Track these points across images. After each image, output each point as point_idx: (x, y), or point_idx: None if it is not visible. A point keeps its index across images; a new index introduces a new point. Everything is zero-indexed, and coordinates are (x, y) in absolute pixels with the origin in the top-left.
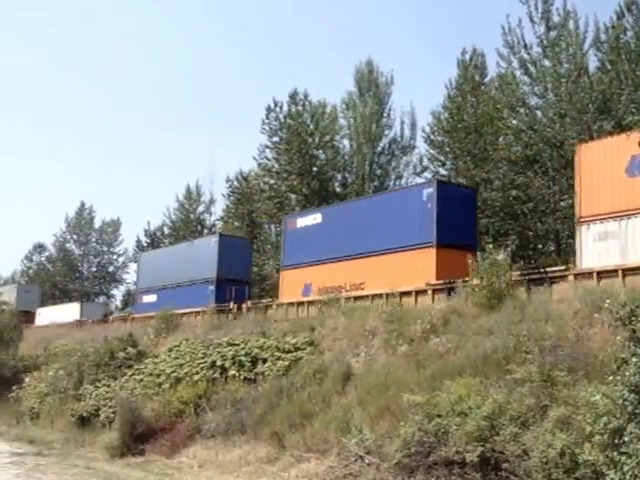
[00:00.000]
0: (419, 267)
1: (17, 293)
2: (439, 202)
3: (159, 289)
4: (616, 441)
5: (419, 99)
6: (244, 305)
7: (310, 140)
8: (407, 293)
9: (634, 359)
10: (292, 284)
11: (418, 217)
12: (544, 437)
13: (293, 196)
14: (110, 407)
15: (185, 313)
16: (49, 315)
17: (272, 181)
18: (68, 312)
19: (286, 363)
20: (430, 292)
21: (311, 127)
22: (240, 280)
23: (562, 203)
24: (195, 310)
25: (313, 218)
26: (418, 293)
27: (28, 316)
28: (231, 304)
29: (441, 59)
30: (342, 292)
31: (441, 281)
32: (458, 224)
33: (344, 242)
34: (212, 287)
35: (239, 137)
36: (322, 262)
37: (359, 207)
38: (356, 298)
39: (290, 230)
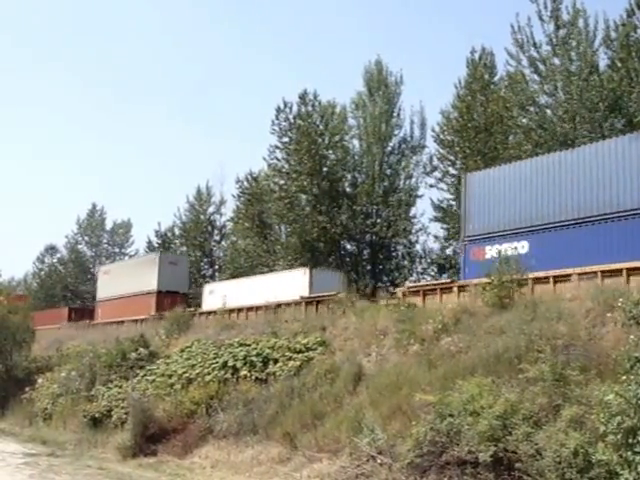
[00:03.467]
0: None
1: (160, 267)
2: None
3: (536, 230)
4: (630, 440)
5: (429, 99)
6: None
7: (320, 140)
8: None
9: None
10: None
11: None
12: (557, 436)
13: (303, 196)
14: (122, 408)
15: None
16: (237, 292)
17: (282, 181)
18: (283, 285)
19: (297, 363)
20: None
21: (321, 127)
22: None
23: None
24: None
25: None
26: None
27: (177, 299)
28: None
29: (450, 58)
30: None
31: None
32: None
33: None
34: None
35: (249, 138)
36: None
37: None
38: None
39: None
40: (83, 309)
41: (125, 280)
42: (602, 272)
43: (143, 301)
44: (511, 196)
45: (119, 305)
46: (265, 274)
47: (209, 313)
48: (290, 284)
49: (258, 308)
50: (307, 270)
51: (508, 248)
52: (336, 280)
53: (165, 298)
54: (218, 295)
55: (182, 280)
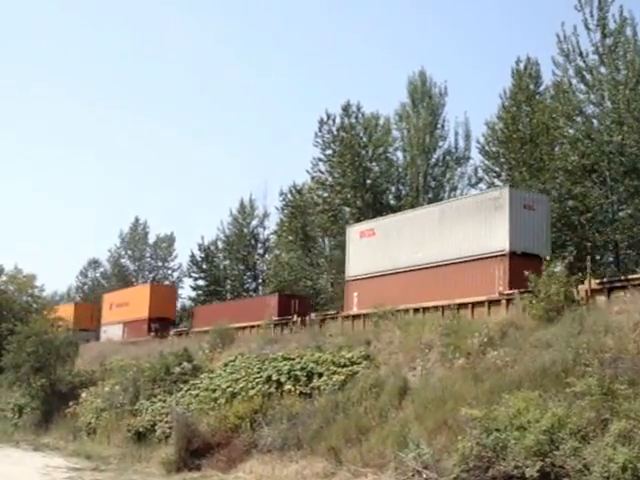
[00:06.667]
0: None
1: (511, 213)
2: None
3: None
4: None
5: (473, 110)
6: None
7: (363, 152)
8: None
9: None
10: None
11: None
12: (605, 451)
13: (347, 209)
14: (166, 422)
15: None
16: None
17: (326, 194)
18: None
19: (342, 377)
20: None
21: (364, 139)
22: None
23: (621, 213)
24: None
25: None
26: None
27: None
28: None
29: (495, 69)
30: None
31: None
32: None
33: None
34: None
35: (292, 150)
36: None
37: None
38: None
39: None
40: (301, 297)
41: (419, 240)
42: None
43: (476, 271)
44: None
45: (403, 283)
46: None
47: None
48: None
49: None
50: None
51: None
52: None
53: (523, 264)
54: None
55: (542, 234)
